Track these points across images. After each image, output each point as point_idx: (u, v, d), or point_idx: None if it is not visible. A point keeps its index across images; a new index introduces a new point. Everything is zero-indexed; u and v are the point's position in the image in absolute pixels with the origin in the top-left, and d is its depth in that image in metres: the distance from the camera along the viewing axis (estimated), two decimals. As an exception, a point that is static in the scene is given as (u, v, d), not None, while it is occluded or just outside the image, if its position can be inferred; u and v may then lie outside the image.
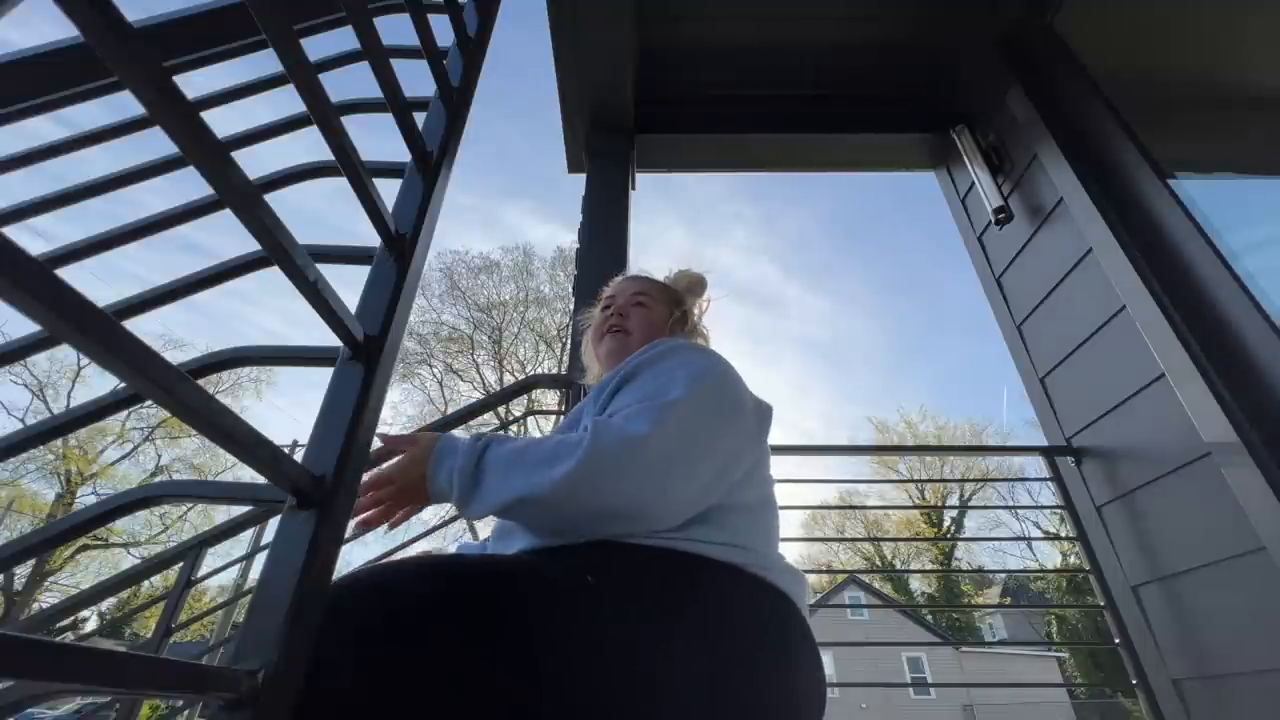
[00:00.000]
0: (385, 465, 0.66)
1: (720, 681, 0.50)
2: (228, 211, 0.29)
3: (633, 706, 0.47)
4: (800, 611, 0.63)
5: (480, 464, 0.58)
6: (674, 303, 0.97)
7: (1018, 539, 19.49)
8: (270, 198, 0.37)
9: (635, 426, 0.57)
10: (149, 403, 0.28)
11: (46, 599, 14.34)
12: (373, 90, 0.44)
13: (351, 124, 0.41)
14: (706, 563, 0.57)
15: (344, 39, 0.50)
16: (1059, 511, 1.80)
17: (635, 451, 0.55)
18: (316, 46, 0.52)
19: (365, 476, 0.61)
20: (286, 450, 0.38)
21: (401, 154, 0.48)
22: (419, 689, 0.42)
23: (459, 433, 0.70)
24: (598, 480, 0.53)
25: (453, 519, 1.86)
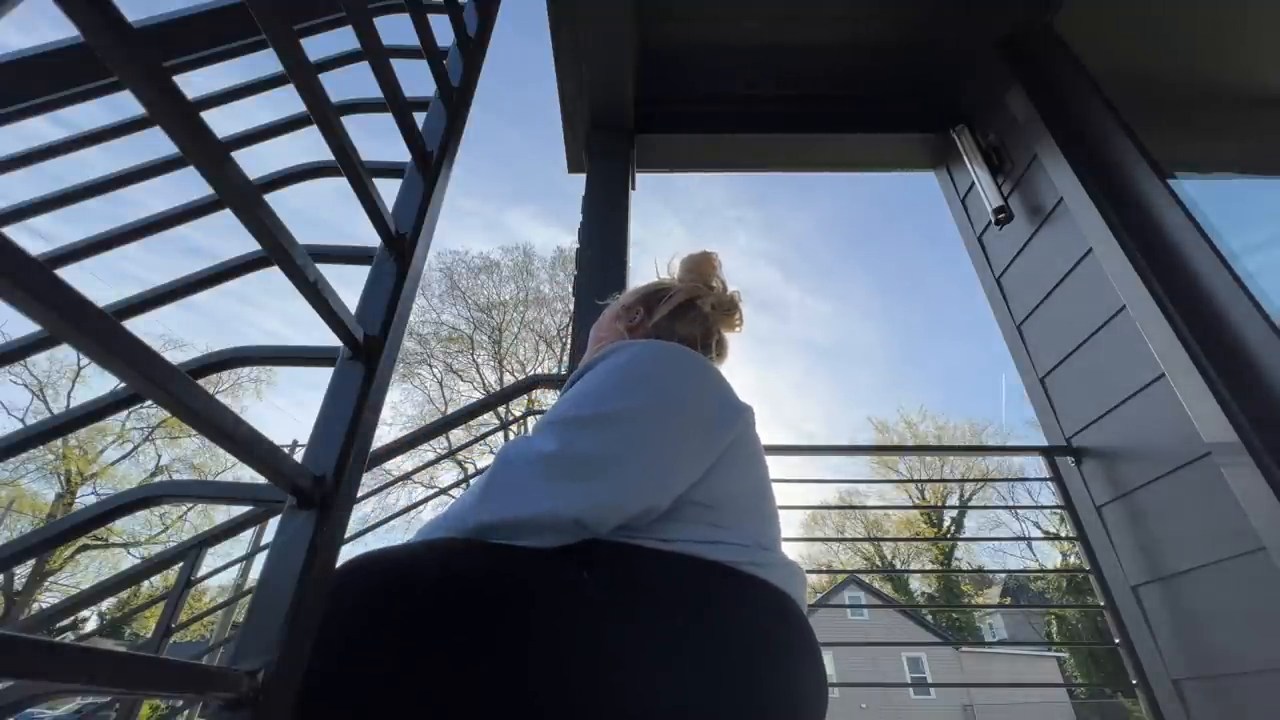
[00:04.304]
0: None
1: (717, 688, 0.50)
2: (228, 212, 0.29)
3: (631, 711, 0.46)
4: (799, 609, 0.61)
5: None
6: (634, 302, 0.91)
7: (1018, 539, 19.51)
8: (270, 199, 0.37)
9: (543, 444, 0.57)
10: (149, 403, 0.28)
11: (46, 599, 14.35)
12: (372, 90, 0.44)
13: (348, 125, 0.41)
14: (696, 563, 0.56)
15: (344, 39, 0.50)
16: (1059, 511, 1.80)
17: (533, 466, 0.56)
18: (316, 46, 0.52)
19: None
20: (286, 450, 0.38)
21: (399, 155, 0.48)
22: (422, 674, 0.42)
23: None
24: (503, 498, 0.54)
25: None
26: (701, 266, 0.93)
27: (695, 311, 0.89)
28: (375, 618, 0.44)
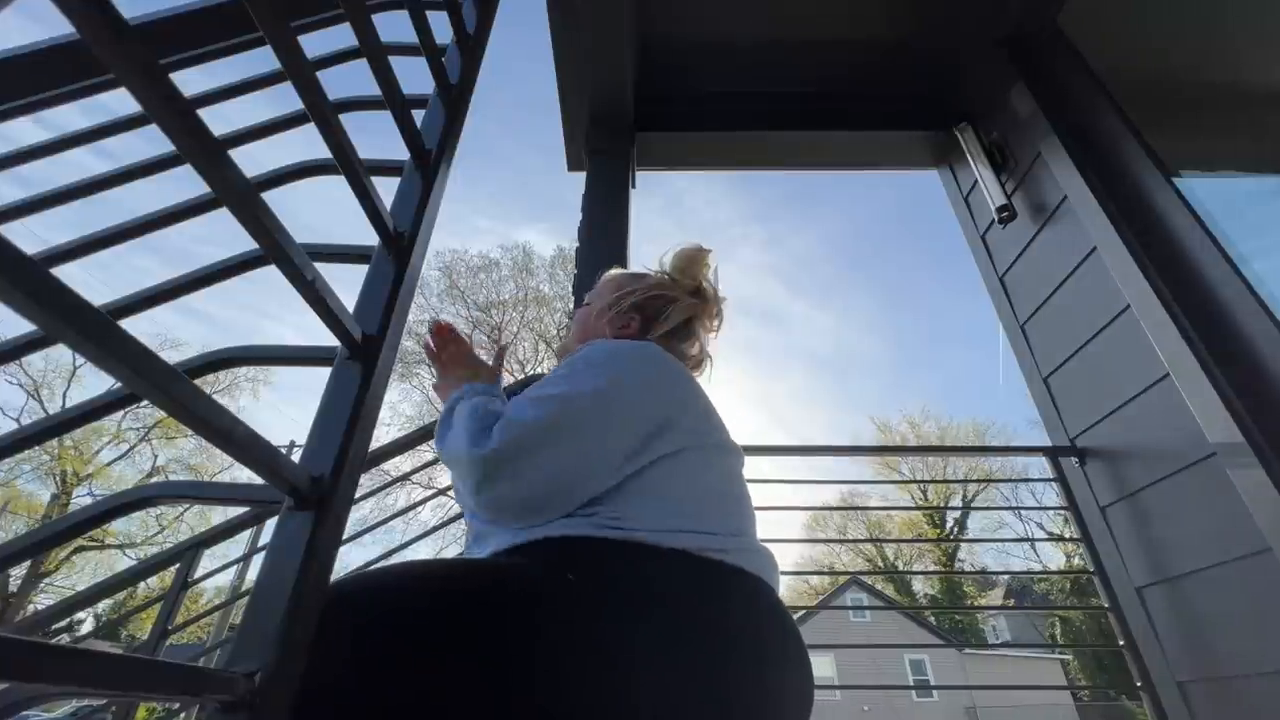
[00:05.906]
0: (445, 354, 0.83)
1: (694, 679, 0.50)
2: (226, 214, 0.29)
3: (615, 710, 0.46)
4: (774, 595, 0.62)
5: (450, 416, 0.66)
6: (628, 306, 0.88)
7: (1021, 540, 19.44)
8: (266, 198, 0.37)
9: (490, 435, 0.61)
10: (145, 403, 0.28)
11: (42, 600, 14.34)
12: (370, 88, 0.44)
13: (346, 123, 0.41)
14: (676, 555, 0.56)
15: (342, 36, 0.50)
16: (1063, 512, 1.79)
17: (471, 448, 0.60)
18: (313, 44, 0.51)
19: (434, 341, 0.84)
20: (284, 451, 0.37)
21: (395, 155, 0.47)
22: (413, 694, 0.42)
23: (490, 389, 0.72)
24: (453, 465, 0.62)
25: (452, 520, 1.85)
26: (694, 265, 0.93)
27: (689, 329, 0.90)
28: (369, 651, 0.43)
